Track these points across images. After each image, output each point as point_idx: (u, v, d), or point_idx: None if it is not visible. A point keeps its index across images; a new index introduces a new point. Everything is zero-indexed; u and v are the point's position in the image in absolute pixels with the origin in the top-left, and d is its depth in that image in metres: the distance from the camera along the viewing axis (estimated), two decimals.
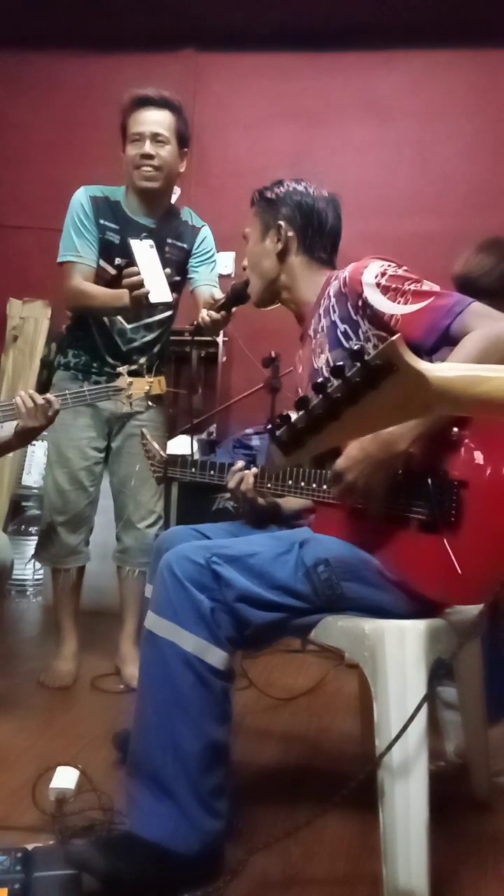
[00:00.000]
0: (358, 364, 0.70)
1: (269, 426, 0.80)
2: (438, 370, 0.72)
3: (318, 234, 1.41)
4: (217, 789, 1.14)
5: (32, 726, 1.75)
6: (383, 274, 1.24)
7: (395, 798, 1.07)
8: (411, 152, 3.55)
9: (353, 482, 1.17)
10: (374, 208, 3.33)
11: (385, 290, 1.23)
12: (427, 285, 1.22)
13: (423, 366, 0.71)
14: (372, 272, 1.25)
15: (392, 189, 3.53)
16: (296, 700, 2.00)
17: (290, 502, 1.51)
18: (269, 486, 1.35)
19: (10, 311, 3.60)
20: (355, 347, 0.69)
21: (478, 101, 3.52)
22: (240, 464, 1.44)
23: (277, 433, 0.77)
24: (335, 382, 0.71)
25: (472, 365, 0.80)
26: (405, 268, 1.27)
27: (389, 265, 1.26)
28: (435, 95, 3.55)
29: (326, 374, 0.73)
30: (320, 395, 0.72)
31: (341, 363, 0.70)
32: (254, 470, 1.41)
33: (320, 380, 0.71)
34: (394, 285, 1.22)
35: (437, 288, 1.22)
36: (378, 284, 1.24)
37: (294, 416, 0.75)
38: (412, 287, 1.21)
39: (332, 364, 0.75)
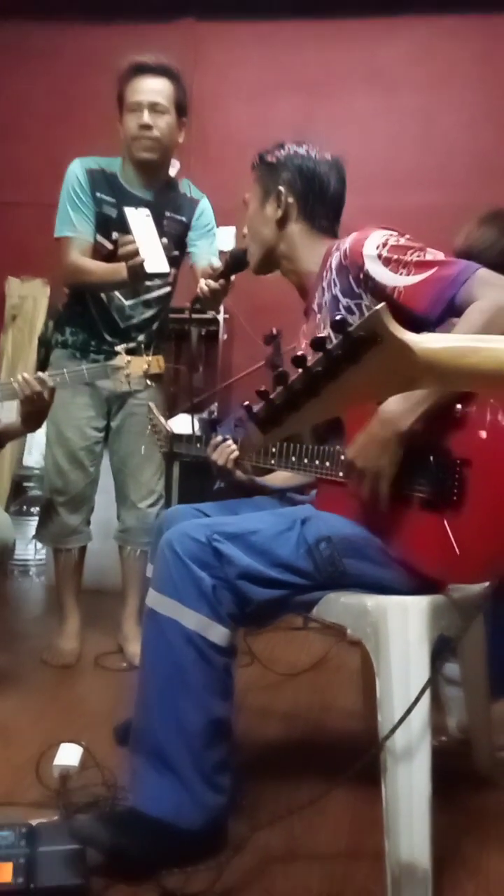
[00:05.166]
0: (340, 336, 0.65)
1: (246, 403, 0.75)
2: (425, 341, 0.68)
3: (320, 201, 1.37)
4: (220, 765, 1.15)
5: (36, 704, 1.76)
6: (384, 244, 1.21)
7: (398, 774, 1.08)
8: (415, 123, 3.48)
9: (364, 467, 1.15)
10: (378, 180, 3.26)
11: (387, 261, 1.20)
12: (431, 254, 1.18)
13: (409, 337, 0.67)
14: (373, 243, 1.22)
15: (396, 161, 3.46)
16: (298, 676, 2.01)
17: (277, 477, 1.50)
18: (272, 461, 1.33)
19: (9, 290, 3.56)
20: (337, 318, 0.65)
21: (483, 71, 3.43)
22: (218, 438, 1.44)
23: (254, 410, 0.73)
24: (316, 356, 0.67)
25: (461, 335, 0.75)
26: (408, 236, 1.23)
27: (391, 235, 1.23)
28: (439, 64, 3.46)
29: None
30: (299, 370, 0.68)
31: (322, 335, 0.66)
32: (230, 443, 1.42)
33: (300, 353, 0.68)
34: (395, 256, 1.19)
35: (441, 256, 1.19)
36: (379, 256, 1.20)
37: (272, 392, 0.71)
38: (415, 257, 1.18)
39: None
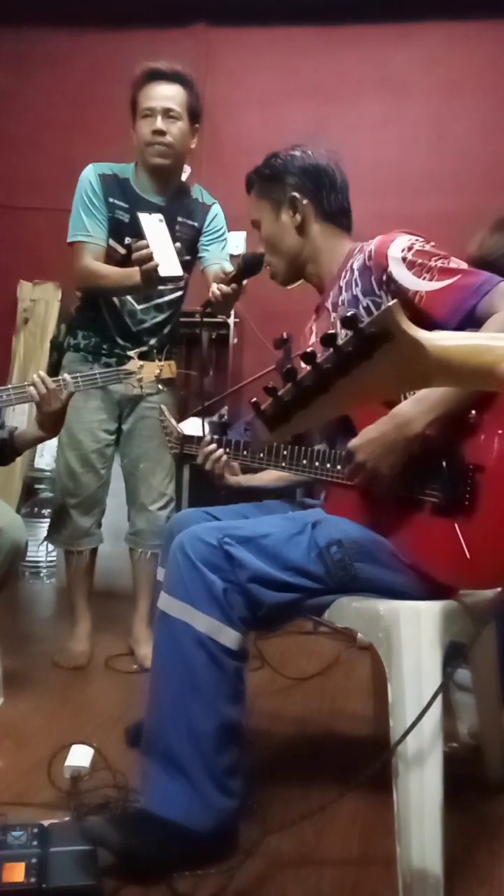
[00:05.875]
0: (351, 332, 0.64)
1: (253, 400, 0.74)
2: (437, 339, 0.67)
3: (333, 192, 1.36)
4: (231, 768, 1.15)
5: (47, 706, 1.77)
6: (410, 248, 1.22)
7: (410, 780, 1.07)
8: (427, 129, 3.47)
9: (364, 462, 1.16)
10: (390, 186, 3.27)
11: (411, 265, 1.20)
12: (455, 262, 1.19)
13: (422, 334, 0.66)
14: (398, 246, 1.23)
15: (408, 167, 3.45)
16: (308, 681, 2.00)
17: (265, 477, 1.49)
18: (282, 464, 1.34)
19: (21, 294, 3.59)
20: (348, 314, 0.64)
21: (496, 77, 3.42)
22: (206, 438, 1.43)
23: (262, 407, 0.71)
24: (326, 352, 0.65)
25: (474, 334, 0.75)
26: (433, 243, 1.24)
27: (417, 240, 1.23)
28: (453, 70, 3.46)
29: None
30: (309, 367, 0.66)
31: (332, 332, 0.65)
32: (212, 447, 1.41)
33: (309, 349, 0.67)
34: (420, 260, 1.20)
35: (464, 265, 1.19)
36: (404, 259, 1.21)
37: (280, 389, 0.69)
38: (439, 263, 1.18)
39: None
